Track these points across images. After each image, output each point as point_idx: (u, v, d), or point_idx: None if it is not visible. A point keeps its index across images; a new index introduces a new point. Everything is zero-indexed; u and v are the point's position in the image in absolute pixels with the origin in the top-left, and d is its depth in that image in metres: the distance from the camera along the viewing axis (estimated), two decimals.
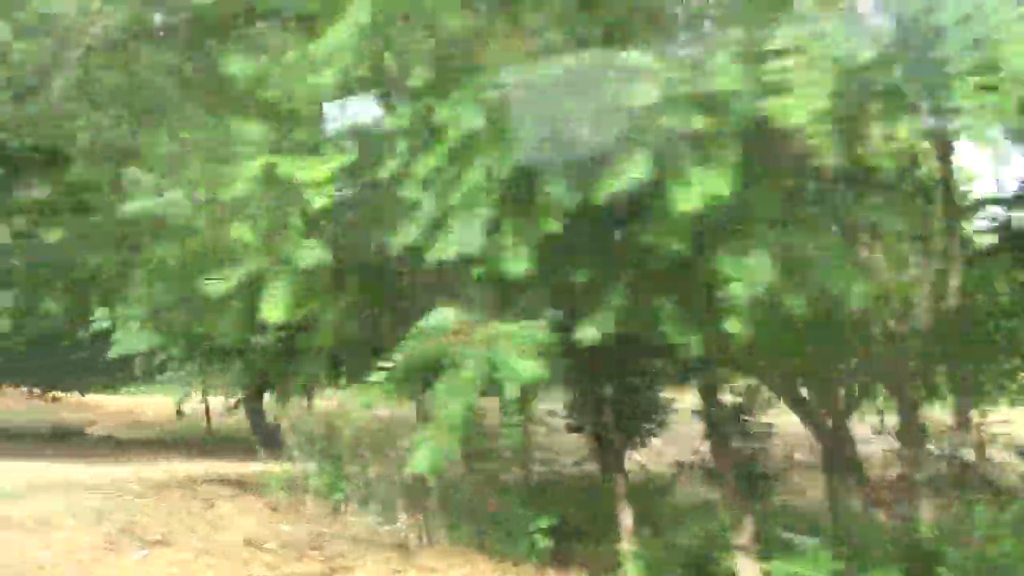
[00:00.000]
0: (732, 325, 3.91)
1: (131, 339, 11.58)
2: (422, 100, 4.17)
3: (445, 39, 4.11)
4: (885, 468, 8.69)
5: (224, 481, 13.09)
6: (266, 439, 21.42)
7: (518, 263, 3.84)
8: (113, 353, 12.49)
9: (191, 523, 9.12)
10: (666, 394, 11.07)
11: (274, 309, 4.30)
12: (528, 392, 4.32)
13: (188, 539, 8.31)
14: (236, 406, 22.65)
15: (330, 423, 12.22)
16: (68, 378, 22.54)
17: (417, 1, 4.08)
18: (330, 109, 5.11)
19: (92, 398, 25.29)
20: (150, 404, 31.62)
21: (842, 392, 8.59)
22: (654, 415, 12.59)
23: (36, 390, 23.09)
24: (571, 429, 13.20)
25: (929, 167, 7.45)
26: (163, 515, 9.39)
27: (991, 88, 3.17)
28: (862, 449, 8.89)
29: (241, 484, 12.93)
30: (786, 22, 3.64)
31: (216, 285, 4.44)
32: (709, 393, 6.66)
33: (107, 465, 14.03)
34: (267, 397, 24.34)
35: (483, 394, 4.01)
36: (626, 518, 6.91)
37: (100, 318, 11.06)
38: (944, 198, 7.06)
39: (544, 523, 7.34)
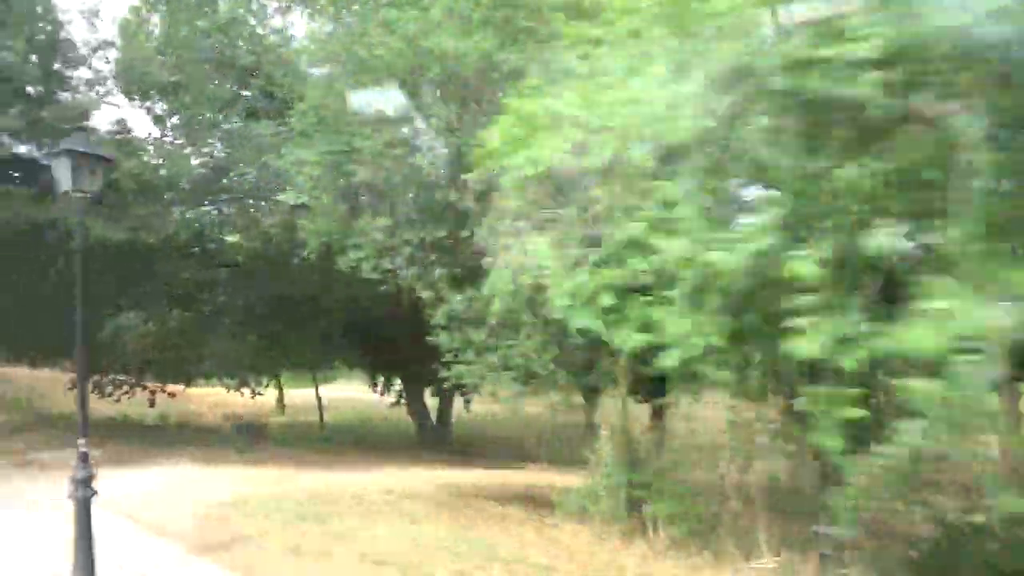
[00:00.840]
0: None
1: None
2: None
3: None
4: None
5: (489, 496, 10.93)
6: (427, 437, 19.55)
7: None
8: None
9: (595, 566, 6.91)
10: None
11: None
12: None
13: None
14: (397, 403, 20.72)
15: (659, 433, 9.98)
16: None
17: None
18: None
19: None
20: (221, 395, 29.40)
21: None
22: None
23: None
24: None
25: None
26: (546, 548, 7.22)
27: None
28: None
29: (519, 500, 10.79)
30: None
31: None
32: None
33: (328, 471, 11.83)
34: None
35: None
36: None
37: None
38: None
39: None
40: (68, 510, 7.91)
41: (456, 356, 10.25)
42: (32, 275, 14.54)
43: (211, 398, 27.30)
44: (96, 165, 6.12)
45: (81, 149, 5.99)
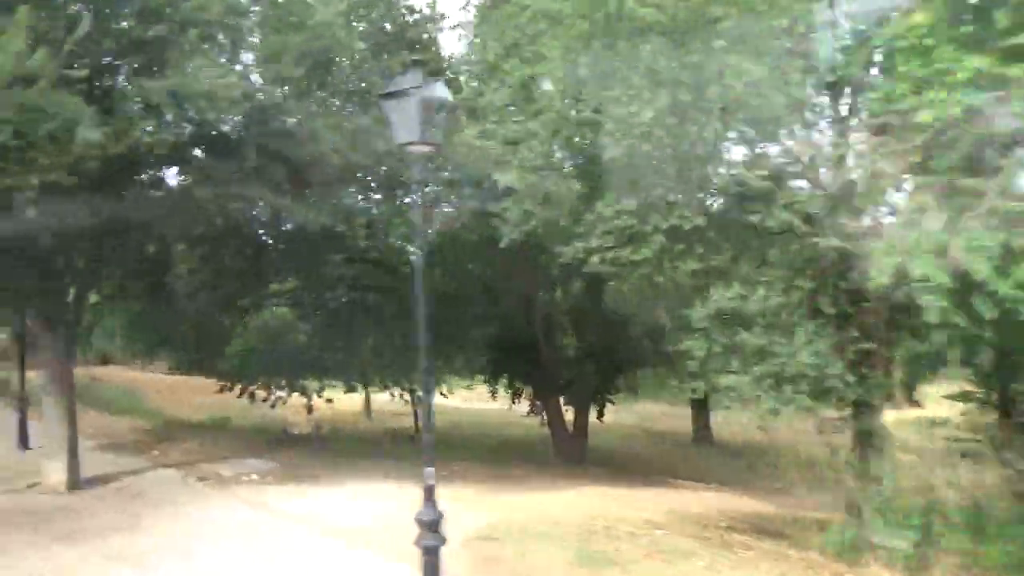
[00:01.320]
0: None
1: None
2: None
3: None
4: None
5: (729, 527, 9.40)
6: (563, 450, 18.09)
7: None
8: None
9: None
10: None
11: None
12: None
13: None
14: (531, 412, 19.33)
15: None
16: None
17: None
18: None
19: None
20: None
21: None
22: None
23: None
24: None
25: None
26: None
27: None
28: None
29: (755, 531, 9.27)
30: None
31: None
32: None
33: (517, 490, 10.30)
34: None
35: None
36: None
37: None
38: None
39: None
40: (323, 547, 6.57)
41: (706, 364, 8.75)
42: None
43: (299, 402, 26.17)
44: (437, 110, 4.74)
45: (429, 91, 4.60)
